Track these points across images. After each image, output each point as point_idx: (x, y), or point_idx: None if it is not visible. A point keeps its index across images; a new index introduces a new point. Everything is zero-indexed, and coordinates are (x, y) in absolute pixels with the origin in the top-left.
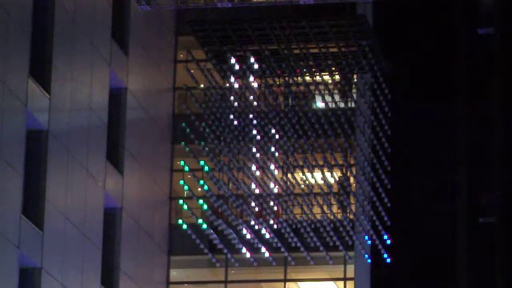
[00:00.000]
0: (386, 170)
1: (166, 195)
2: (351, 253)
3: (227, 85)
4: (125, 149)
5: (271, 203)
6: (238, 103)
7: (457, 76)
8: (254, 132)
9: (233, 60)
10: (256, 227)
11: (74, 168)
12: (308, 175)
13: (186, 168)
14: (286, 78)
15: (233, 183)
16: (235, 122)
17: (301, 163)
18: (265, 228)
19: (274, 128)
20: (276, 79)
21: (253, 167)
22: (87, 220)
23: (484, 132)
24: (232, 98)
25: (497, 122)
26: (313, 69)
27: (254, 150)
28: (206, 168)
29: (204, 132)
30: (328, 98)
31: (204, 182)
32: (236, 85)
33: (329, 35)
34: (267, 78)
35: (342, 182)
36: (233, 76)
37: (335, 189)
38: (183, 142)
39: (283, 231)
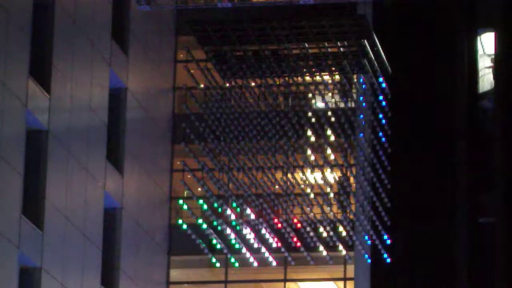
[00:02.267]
0: (386, 170)
1: (166, 195)
2: (351, 253)
3: (227, 85)
4: (125, 149)
5: (271, 203)
6: (238, 103)
7: (457, 76)
8: (254, 132)
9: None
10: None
11: (74, 168)
12: (308, 175)
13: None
14: (286, 78)
15: (233, 183)
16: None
17: (301, 163)
18: (265, 228)
19: (274, 128)
20: (276, 79)
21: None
22: (87, 220)
23: (484, 131)
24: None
25: (497, 122)
26: (313, 69)
27: (254, 150)
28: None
29: (204, 132)
30: (328, 98)
31: (204, 182)
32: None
33: (329, 35)
34: (267, 78)
35: (342, 182)
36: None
37: (335, 189)
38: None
39: (283, 231)
